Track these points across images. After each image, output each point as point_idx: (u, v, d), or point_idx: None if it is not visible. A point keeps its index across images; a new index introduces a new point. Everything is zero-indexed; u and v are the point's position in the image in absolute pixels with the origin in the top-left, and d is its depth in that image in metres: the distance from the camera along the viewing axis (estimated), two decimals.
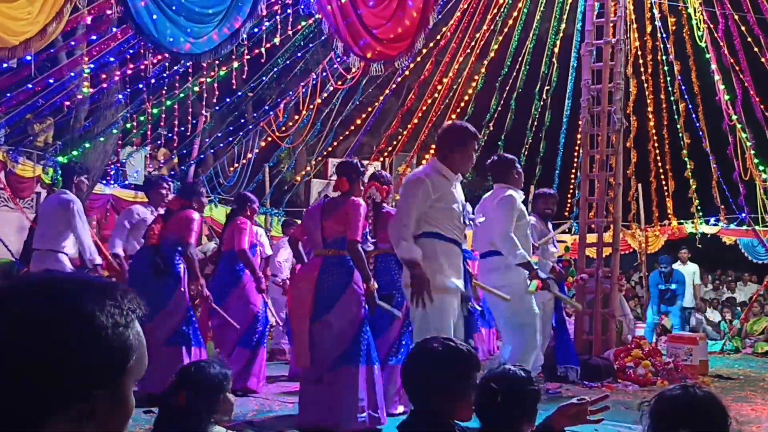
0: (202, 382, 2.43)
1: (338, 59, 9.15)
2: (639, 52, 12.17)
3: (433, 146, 4.58)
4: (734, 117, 11.17)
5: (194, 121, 10.97)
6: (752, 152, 11.37)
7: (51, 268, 5.60)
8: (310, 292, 4.63)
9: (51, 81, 8.60)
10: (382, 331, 5.20)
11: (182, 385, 2.44)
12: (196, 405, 2.37)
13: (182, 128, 10.96)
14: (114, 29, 8.19)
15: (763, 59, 10.99)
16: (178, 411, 2.35)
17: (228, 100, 11.08)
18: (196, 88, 9.74)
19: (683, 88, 12.06)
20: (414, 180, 4.30)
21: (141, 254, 5.71)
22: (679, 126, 12.30)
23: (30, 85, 8.39)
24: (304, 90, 10.83)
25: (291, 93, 11.41)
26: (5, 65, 7.27)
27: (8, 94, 8.46)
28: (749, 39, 11.08)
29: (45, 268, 5.55)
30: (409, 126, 13.08)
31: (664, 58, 12.19)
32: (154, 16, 6.20)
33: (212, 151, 12.86)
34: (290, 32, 9.17)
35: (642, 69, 12.36)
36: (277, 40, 8.92)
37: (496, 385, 2.11)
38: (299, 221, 6.66)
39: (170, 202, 5.90)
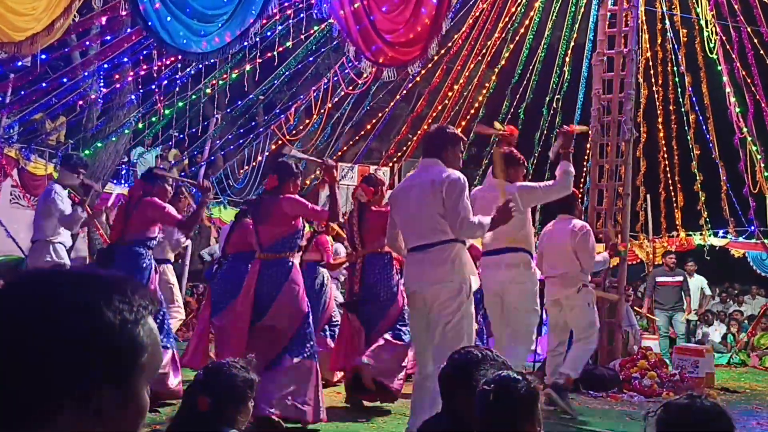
0: (231, 384, 2.39)
1: (350, 64, 9.20)
2: (650, 63, 12.16)
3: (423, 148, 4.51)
4: (745, 130, 11.15)
5: (205, 123, 11.03)
6: (762, 165, 11.34)
7: (47, 260, 5.62)
8: (249, 295, 4.71)
9: (64, 80, 8.67)
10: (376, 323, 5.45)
11: (208, 385, 2.39)
12: (220, 406, 2.35)
13: (193, 130, 11.02)
14: (128, 30, 8.25)
15: None
16: (199, 412, 2.33)
17: (239, 102, 11.13)
18: (208, 90, 9.80)
19: (694, 99, 12.05)
20: (463, 180, 4.19)
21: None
22: (689, 137, 12.28)
23: (44, 84, 8.46)
24: (315, 94, 10.88)
25: (302, 97, 11.45)
26: (19, 63, 7.34)
27: (22, 92, 8.53)
28: (762, 52, 11.06)
29: (41, 259, 5.59)
30: (419, 132, 13.09)
31: (675, 69, 12.18)
32: (168, 18, 6.25)
33: (222, 153, 12.92)
34: (303, 36, 9.21)
35: (653, 80, 12.35)
36: (289, 44, 8.97)
37: (490, 388, 2.13)
38: None
39: (131, 189, 5.70)
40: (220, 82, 9.71)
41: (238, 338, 4.72)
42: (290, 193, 4.79)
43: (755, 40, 11.06)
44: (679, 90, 12.26)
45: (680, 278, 10.33)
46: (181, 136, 11.18)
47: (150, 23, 6.13)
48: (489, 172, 5.39)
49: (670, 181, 13.12)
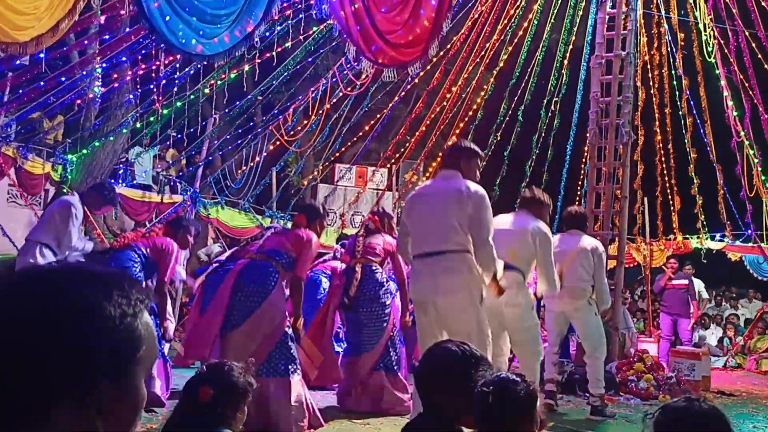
0: (231, 383, 2.40)
1: (349, 65, 9.19)
2: (648, 66, 12.18)
3: (443, 160, 4.64)
4: (742, 133, 11.17)
5: (203, 123, 11.01)
6: (759, 169, 11.36)
7: (30, 261, 5.65)
8: (226, 294, 4.72)
9: (63, 79, 8.65)
10: (371, 345, 5.54)
11: (210, 381, 2.40)
12: (219, 404, 2.35)
13: (191, 130, 11.00)
14: (127, 29, 8.23)
15: None
16: (201, 405, 2.33)
17: (238, 102, 11.12)
18: (207, 90, 9.78)
19: (691, 102, 12.07)
20: (487, 197, 4.33)
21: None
22: (686, 140, 12.30)
23: (42, 83, 8.43)
24: (313, 95, 10.87)
25: (300, 97, 11.44)
26: (18, 62, 7.32)
27: (20, 91, 8.51)
28: (759, 56, 11.09)
29: (25, 260, 5.62)
30: (417, 134, 13.11)
31: (673, 72, 12.20)
32: (167, 17, 6.24)
33: (220, 153, 12.90)
34: (302, 37, 9.21)
35: (651, 83, 12.37)
36: (288, 45, 8.96)
37: (490, 389, 2.13)
38: None
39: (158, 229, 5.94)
40: (219, 82, 9.70)
41: (208, 334, 4.71)
42: (316, 233, 5.05)
43: (753, 44, 11.09)
44: (677, 93, 12.28)
45: (686, 281, 10.32)
46: (179, 136, 11.16)
47: (153, 22, 6.12)
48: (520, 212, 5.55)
49: (667, 185, 13.14)
